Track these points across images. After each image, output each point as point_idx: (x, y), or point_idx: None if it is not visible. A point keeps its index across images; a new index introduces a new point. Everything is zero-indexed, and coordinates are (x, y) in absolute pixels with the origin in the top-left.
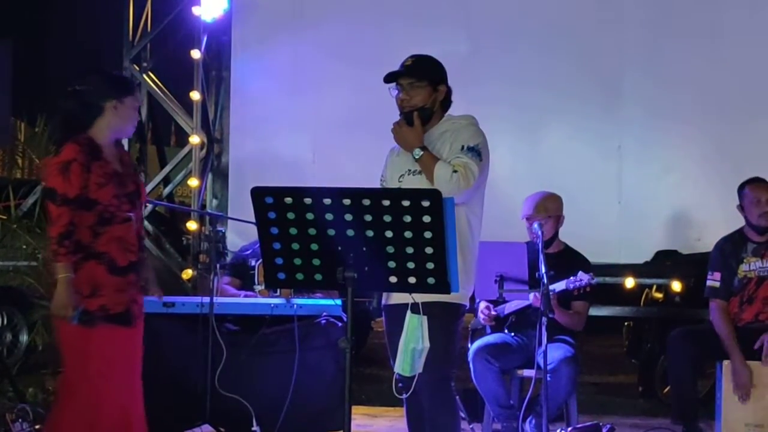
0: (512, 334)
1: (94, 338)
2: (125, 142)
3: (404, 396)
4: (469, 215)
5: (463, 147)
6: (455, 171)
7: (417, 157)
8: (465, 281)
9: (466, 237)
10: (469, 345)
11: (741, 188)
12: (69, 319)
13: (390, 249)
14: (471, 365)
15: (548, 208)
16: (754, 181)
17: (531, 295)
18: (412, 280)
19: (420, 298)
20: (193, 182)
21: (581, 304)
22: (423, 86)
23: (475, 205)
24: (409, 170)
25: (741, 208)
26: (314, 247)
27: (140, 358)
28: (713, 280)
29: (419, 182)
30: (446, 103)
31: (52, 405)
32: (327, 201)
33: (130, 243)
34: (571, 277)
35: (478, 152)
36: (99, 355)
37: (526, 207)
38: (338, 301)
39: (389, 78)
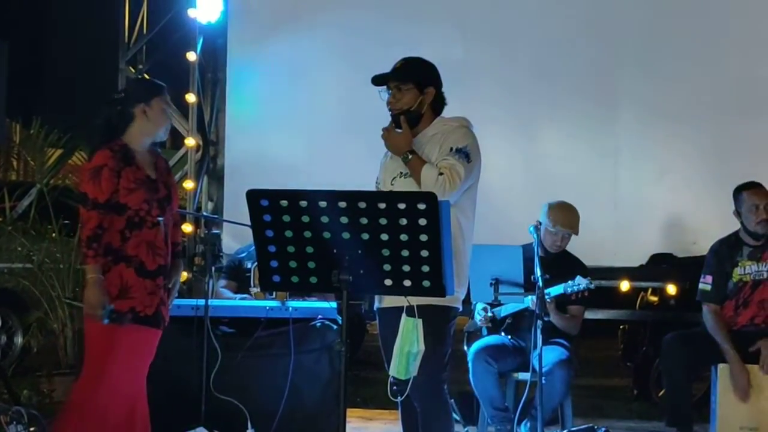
0: (509, 336)
1: (121, 338)
2: None
3: (399, 399)
4: (460, 217)
5: (451, 149)
6: (441, 173)
7: (407, 160)
8: (457, 284)
9: (456, 239)
10: (465, 348)
11: (737, 193)
12: (99, 319)
13: (385, 252)
14: (470, 366)
15: (574, 225)
16: (751, 186)
17: (529, 299)
18: (407, 283)
19: (412, 300)
20: (189, 185)
21: (577, 308)
22: (409, 89)
23: (465, 207)
24: (401, 173)
25: (737, 213)
26: (309, 249)
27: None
28: (705, 283)
29: (409, 185)
30: (438, 105)
31: (62, 405)
32: (322, 204)
33: (159, 247)
34: (569, 282)
35: (466, 154)
36: (122, 356)
37: (555, 220)
38: (333, 304)
39: (376, 81)
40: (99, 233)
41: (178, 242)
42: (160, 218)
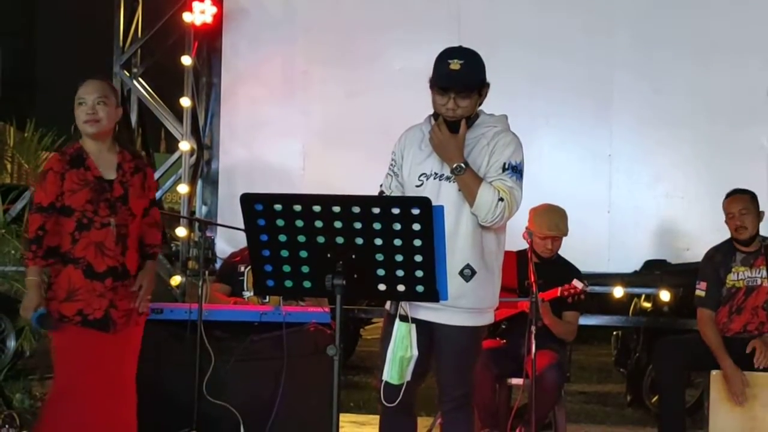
0: (504, 340)
1: (67, 342)
2: None
3: (391, 405)
4: (500, 233)
5: (505, 165)
6: (501, 199)
7: (458, 173)
8: (493, 300)
9: (496, 256)
10: None
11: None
12: (29, 322)
13: (379, 256)
14: None
15: (561, 227)
16: (730, 194)
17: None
18: (401, 287)
19: (454, 321)
20: (183, 188)
21: (573, 314)
22: (472, 95)
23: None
24: (437, 174)
25: (725, 220)
26: (303, 254)
27: (129, 364)
28: (700, 290)
29: (452, 190)
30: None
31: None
32: (316, 208)
33: (109, 248)
34: (566, 285)
35: (521, 172)
36: (70, 359)
37: (540, 224)
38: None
39: (444, 86)
40: (40, 235)
41: (153, 243)
42: (111, 219)
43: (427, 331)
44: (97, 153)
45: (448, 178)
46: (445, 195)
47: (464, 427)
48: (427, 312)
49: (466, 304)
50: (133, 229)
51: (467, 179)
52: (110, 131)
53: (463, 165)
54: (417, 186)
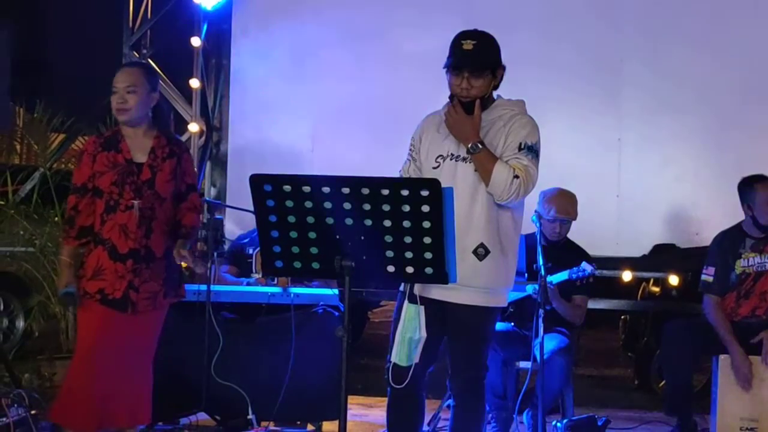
0: (512, 324)
1: (88, 319)
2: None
3: (399, 386)
4: (516, 215)
5: (521, 145)
6: (516, 176)
7: (473, 152)
8: (507, 281)
9: (512, 237)
10: None
11: (747, 186)
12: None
13: (388, 238)
14: None
15: (570, 211)
16: (764, 179)
17: (531, 287)
18: (410, 269)
19: (466, 300)
20: None
21: (581, 298)
22: (485, 75)
23: (521, 201)
24: (453, 155)
25: (748, 206)
26: (312, 235)
27: (147, 344)
28: (707, 275)
29: (468, 170)
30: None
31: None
32: (326, 189)
33: (131, 230)
34: (575, 267)
35: (536, 152)
36: (91, 335)
37: (549, 207)
38: (335, 291)
39: (457, 65)
40: (72, 215)
41: (187, 224)
42: (135, 201)
43: (439, 311)
44: (132, 137)
45: (464, 159)
46: (461, 175)
47: (474, 412)
48: (440, 291)
49: (479, 283)
50: (161, 213)
51: (482, 158)
52: (144, 117)
53: (479, 144)
54: (434, 168)
